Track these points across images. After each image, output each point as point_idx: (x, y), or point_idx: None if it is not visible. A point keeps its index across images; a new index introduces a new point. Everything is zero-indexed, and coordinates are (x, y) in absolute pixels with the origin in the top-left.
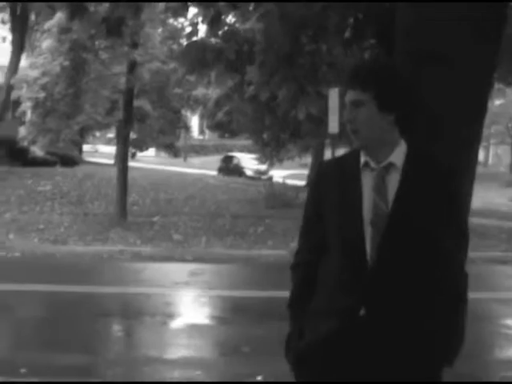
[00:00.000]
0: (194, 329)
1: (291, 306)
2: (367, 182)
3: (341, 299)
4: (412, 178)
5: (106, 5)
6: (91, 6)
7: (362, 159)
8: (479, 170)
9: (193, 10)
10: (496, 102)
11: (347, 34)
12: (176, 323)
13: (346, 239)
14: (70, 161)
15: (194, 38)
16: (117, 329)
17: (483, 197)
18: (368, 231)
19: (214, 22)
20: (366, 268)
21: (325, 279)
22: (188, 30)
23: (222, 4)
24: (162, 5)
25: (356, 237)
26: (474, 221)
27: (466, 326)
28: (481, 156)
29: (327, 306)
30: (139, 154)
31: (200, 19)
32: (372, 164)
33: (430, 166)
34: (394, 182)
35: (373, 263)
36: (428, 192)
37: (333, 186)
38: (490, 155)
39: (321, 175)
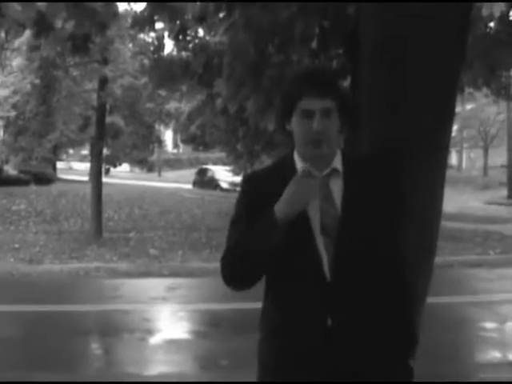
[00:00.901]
0: (172, 344)
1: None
2: None
3: (305, 314)
4: (354, 182)
5: (73, 22)
6: (58, 24)
7: (302, 167)
8: (453, 174)
9: (160, 25)
10: (467, 107)
11: (314, 44)
12: (155, 339)
13: (297, 253)
14: (44, 179)
15: (162, 53)
16: (95, 346)
17: (457, 200)
18: (320, 241)
19: (181, 36)
20: (325, 277)
21: (280, 299)
22: (155, 44)
23: (187, 17)
24: (129, 20)
25: (308, 248)
26: (448, 225)
27: (419, 325)
28: (454, 160)
29: (291, 323)
30: (113, 170)
31: (166, 33)
32: (314, 172)
33: (374, 170)
34: (337, 188)
35: (331, 272)
36: (371, 193)
37: (268, 200)
38: (463, 159)
39: (252, 188)
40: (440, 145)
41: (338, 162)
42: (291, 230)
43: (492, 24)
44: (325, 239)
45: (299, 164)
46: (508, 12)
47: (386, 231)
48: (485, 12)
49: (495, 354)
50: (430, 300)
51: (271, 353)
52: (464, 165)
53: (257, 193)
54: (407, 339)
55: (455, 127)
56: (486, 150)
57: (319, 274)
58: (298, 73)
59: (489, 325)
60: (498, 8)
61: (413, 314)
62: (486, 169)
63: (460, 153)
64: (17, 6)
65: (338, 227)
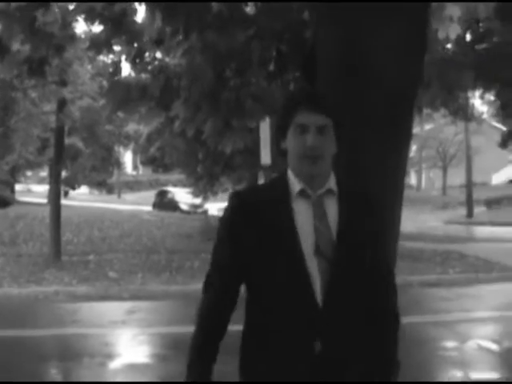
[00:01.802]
0: (133, 368)
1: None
2: (302, 210)
3: (293, 339)
4: (347, 204)
5: (29, 45)
6: (14, 46)
7: (297, 187)
8: (412, 194)
9: (117, 47)
10: (426, 127)
11: (271, 67)
12: (115, 363)
13: (286, 274)
14: (1, 201)
15: (119, 76)
16: (55, 371)
17: (417, 220)
18: (313, 262)
19: (138, 59)
20: (315, 300)
21: (265, 320)
22: (112, 67)
23: (145, 41)
24: (86, 42)
25: (299, 269)
26: (408, 245)
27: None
28: (413, 180)
29: (278, 348)
30: (72, 192)
31: (123, 57)
32: (309, 191)
33: (356, 196)
34: (332, 208)
35: (325, 295)
36: (359, 217)
37: (258, 219)
38: (422, 179)
39: (240, 207)
40: (398, 166)
41: (332, 183)
42: (280, 249)
43: (449, 45)
44: (318, 261)
45: (293, 183)
46: (464, 34)
47: (374, 258)
48: (441, 34)
49: (455, 373)
50: None
51: (257, 374)
52: (423, 185)
53: (244, 212)
54: (392, 365)
55: (414, 147)
56: (444, 170)
57: (309, 296)
58: (295, 90)
59: (449, 344)
60: (454, 30)
61: (398, 341)
62: (445, 188)
63: (419, 173)
64: None
65: (333, 249)
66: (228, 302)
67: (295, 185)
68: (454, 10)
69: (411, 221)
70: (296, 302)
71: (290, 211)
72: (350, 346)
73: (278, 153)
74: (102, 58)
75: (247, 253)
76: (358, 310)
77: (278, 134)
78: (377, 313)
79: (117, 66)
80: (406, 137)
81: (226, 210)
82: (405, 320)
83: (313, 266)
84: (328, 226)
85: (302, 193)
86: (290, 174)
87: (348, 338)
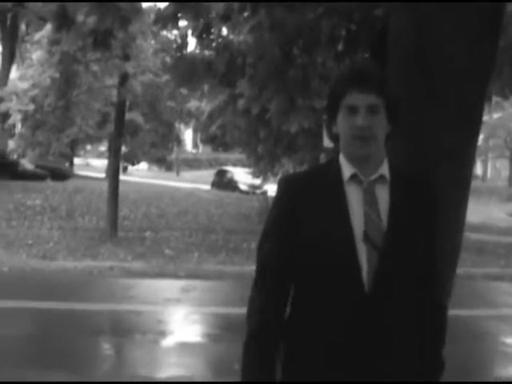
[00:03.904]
0: (185, 347)
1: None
2: (354, 195)
3: (338, 324)
4: (400, 192)
5: (94, 16)
6: (79, 18)
7: (348, 171)
8: (477, 184)
9: (183, 22)
10: (494, 116)
11: (340, 47)
12: (167, 341)
13: (336, 259)
14: (60, 174)
15: (184, 51)
16: (107, 347)
17: (481, 211)
18: (362, 249)
19: (204, 35)
20: (363, 288)
21: (311, 307)
22: (178, 42)
23: (212, 16)
24: (152, 16)
25: (349, 254)
26: (471, 236)
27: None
28: (479, 170)
29: (322, 331)
30: (131, 168)
31: (190, 32)
32: (361, 176)
33: (415, 181)
34: (383, 195)
35: (372, 283)
36: (415, 206)
37: (309, 203)
38: (488, 169)
39: (290, 192)
40: (467, 157)
41: (385, 169)
42: (331, 234)
43: None
44: (367, 248)
45: (345, 168)
46: None
47: (426, 250)
48: None
49: None
50: (450, 312)
51: (300, 359)
52: (489, 175)
53: (294, 198)
54: (436, 365)
55: (481, 136)
56: (511, 160)
57: (357, 283)
58: (343, 70)
59: (510, 339)
60: None
61: (444, 341)
62: (511, 179)
63: (485, 162)
64: None
65: (383, 237)
66: (281, 299)
67: (347, 169)
68: None
69: (475, 212)
70: (344, 288)
71: (342, 196)
72: (394, 337)
73: (331, 138)
74: (165, 33)
75: (297, 240)
76: (404, 302)
77: (329, 118)
78: (424, 308)
79: (183, 40)
80: (475, 126)
81: (275, 196)
82: (466, 313)
83: (362, 253)
84: (378, 213)
85: (353, 178)
86: (342, 159)
87: (393, 328)
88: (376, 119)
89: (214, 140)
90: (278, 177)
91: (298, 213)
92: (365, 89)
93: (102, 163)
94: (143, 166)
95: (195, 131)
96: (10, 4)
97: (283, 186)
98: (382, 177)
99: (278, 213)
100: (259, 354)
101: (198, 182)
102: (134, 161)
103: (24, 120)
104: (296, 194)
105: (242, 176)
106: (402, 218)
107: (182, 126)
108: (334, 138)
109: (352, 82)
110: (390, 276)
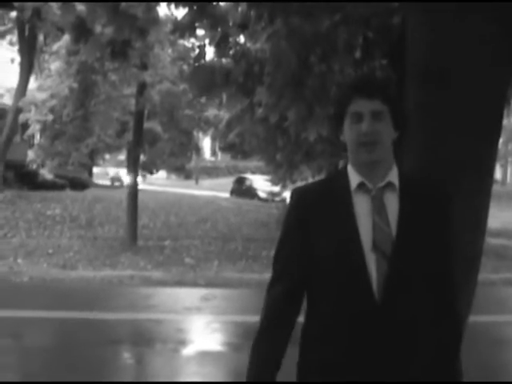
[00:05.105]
0: (206, 356)
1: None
2: (362, 204)
3: (350, 333)
4: (410, 200)
5: (112, 27)
6: (97, 29)
7: (355, 180)
8: (497, 188)
9: (201, 31)
10: None
11: (357, 54)
12: (187, 350)
13: (345, 269)
14: (79, 184)
15: (202, 61)
16: (127, 356)
17: (501, 216)
18: (371, 258)
19: (222, 44)
20: (373, 297)
21: (323, 316)
22: (196, 51)
23: (229, 25)
24: (169, 26)
25: (357, 264)
26: (492, 241)
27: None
28: (498, 174)
29: (335, 343)
30: (150, 177)
31: (207, 41)
32: (368, 185)
33: (426, 188)
34: (392, 203)
35: (383, 292)
36: (426, 214)
37: (319, 213)
38: (507, 173)
39: (301, 203)
40: (487, 167)
41: (394, 176)
42: (340, 244)
43: None
44: (376, 257)
45: (352, 177)
46: None
47: (439, 258)
48: None
49: None
50: (470, 318)
51: (312, 369)
52: (508, 179)
53: (304, 209)
54: (452, 375)
55: (500, 140)
56: None
57: (367, 292)
58: (348, 80)
59: None
60: None
61: (459, 350)
62: None
63: (505, 167)
64: (56, 10)
65: (392, 245)
66: (290, 304)
67: (354, 178)
68: None
69: (495, 216)
70: (354, 298)
71: (350, 205)
72: (405, 346)
73: (340, 146)
74: (182, 42)
75: (308, 249)
76: (415, 310)
77: (336, 127)
78: (438, 317)
79: (201, 50)
80: (496, 133)
81: (288, 207)
82: (486, 319)
83: (371, 262)
84: (387, 221)
85: (361, 186)
86: (350, 168)
87: (404, 337)
88: (381, 125)
89: (233, 148)
90: (297, 184)
91: (308, 223)
92: (369, 95)
93: (121, 172)
94: (162, 174)
95: (213, 139)
96: (28, 14)
97: (295, 197)
98: (390, 184)
99: (289, 224)
100: (257, 355)
101: (216, 189)
102: (153, 169)
103: (43, 130)
104: (307, 205)
105: (261, 183)
106: (411, 226)
107: (201, 134)
108: (343, 147)
109: (356, 90)
110: (399, 285)
